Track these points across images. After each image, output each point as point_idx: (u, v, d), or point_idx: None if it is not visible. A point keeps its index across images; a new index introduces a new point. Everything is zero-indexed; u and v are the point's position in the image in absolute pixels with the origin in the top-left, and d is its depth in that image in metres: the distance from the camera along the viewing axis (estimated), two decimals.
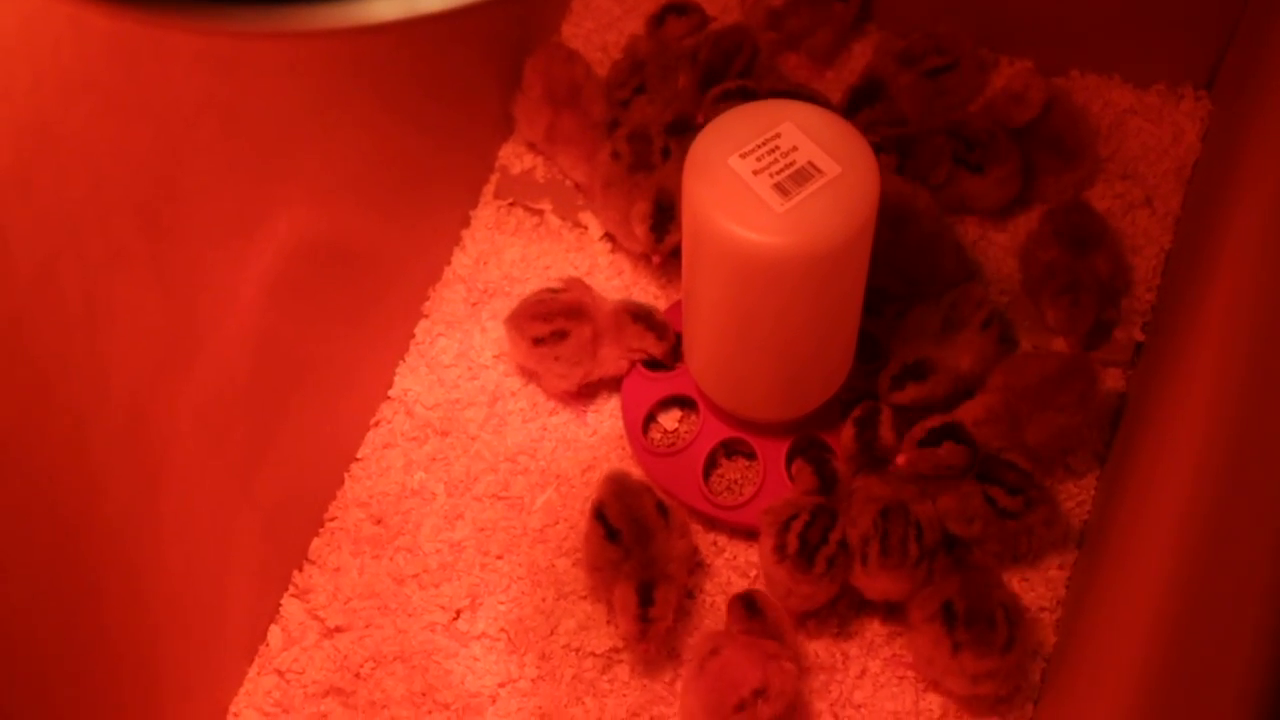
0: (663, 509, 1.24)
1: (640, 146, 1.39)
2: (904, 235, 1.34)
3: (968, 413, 1.27)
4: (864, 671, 1.24)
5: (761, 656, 1.16)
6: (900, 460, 1.22)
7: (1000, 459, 1.22)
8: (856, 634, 1.25)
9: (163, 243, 1.01)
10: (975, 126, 1.42)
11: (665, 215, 1.34)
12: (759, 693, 1.15)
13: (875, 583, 1.20)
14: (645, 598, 1.19)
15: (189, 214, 1.03)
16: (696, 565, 1.28)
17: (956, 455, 1.21)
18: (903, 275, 1.35)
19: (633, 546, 1.21)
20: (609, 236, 1.46)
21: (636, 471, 1.31)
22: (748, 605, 1.20)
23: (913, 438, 1.22)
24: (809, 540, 1.19)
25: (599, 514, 1.23)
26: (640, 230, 1.35)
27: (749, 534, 1.29)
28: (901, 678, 1.23)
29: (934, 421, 1.22)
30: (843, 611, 1.25)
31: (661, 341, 1.34)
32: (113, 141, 0.94)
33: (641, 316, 1.34)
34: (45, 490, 0.95)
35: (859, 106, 1.46)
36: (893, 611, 1.25)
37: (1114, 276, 1.37)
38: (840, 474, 1.23)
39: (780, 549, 1.20)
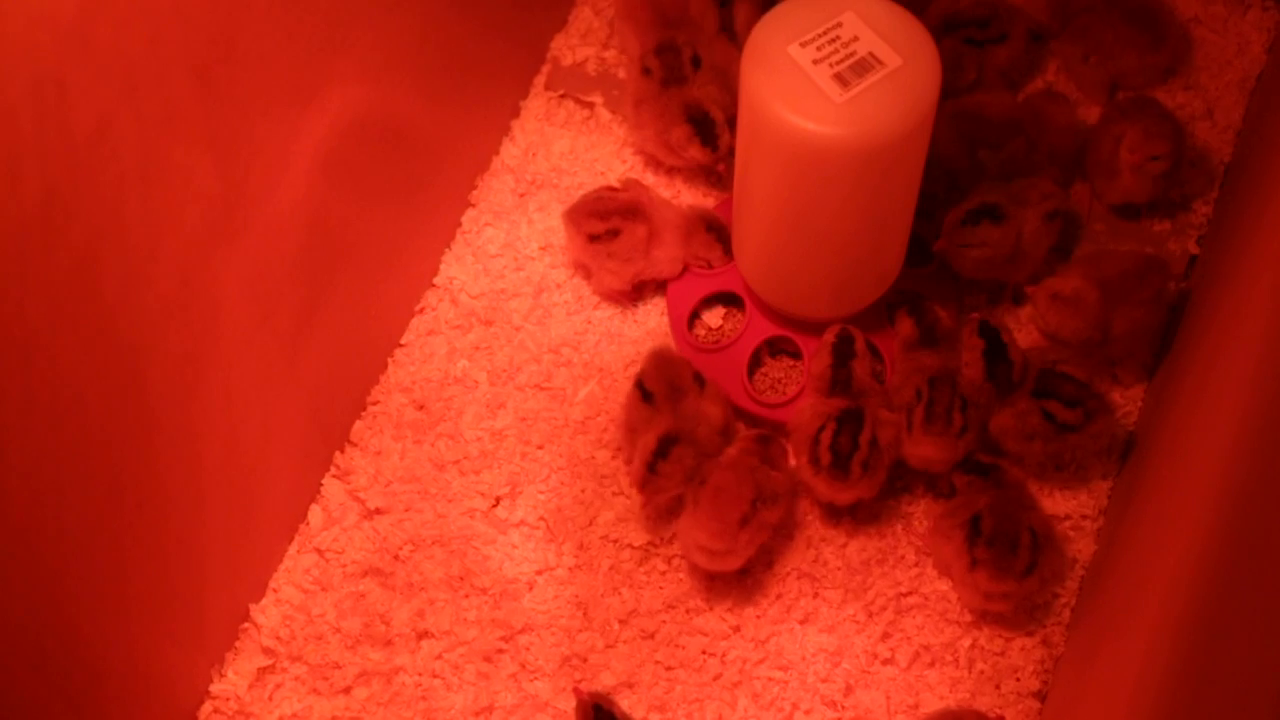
0: (700, 379, 1.24)
1: (670, 59, 1.37)
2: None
3: (1048, 288, 1.26)
4: (902, 572, 1.24)
5: (748, 470, 1.18)
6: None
7: (1055, 372, 1.21)
8: (901, 526, 1.25)
9: (217, 106, 1.00)
10: (964, 8, 1.40)
11: (705, 125, 1.33)
12: (757, 501, 1.17)
13: (919, 449, 1.20)
14: (662, 450, 1.19)
15: (244, 79, 1.02)
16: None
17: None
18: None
19: (664, 405, 1.21)
20: (649, 156, 1.43)
21: None
22: (760, 438, 1.22)
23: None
24: (840, 449, 1.18)
25: (638, 383, 1.23)
26: (694, 152, 1.35)
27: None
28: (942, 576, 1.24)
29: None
30: (887, 507, 1.25)
31: (727, 256, 1.34)
32: None
33: (714, 228, 1.34)
34: (95, 349, 0.95)
35: None
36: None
37: (1183, 146, 1.34)
38: (858, 376, 1.22)
39: (814, 462, 1.19)
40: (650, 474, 1.19)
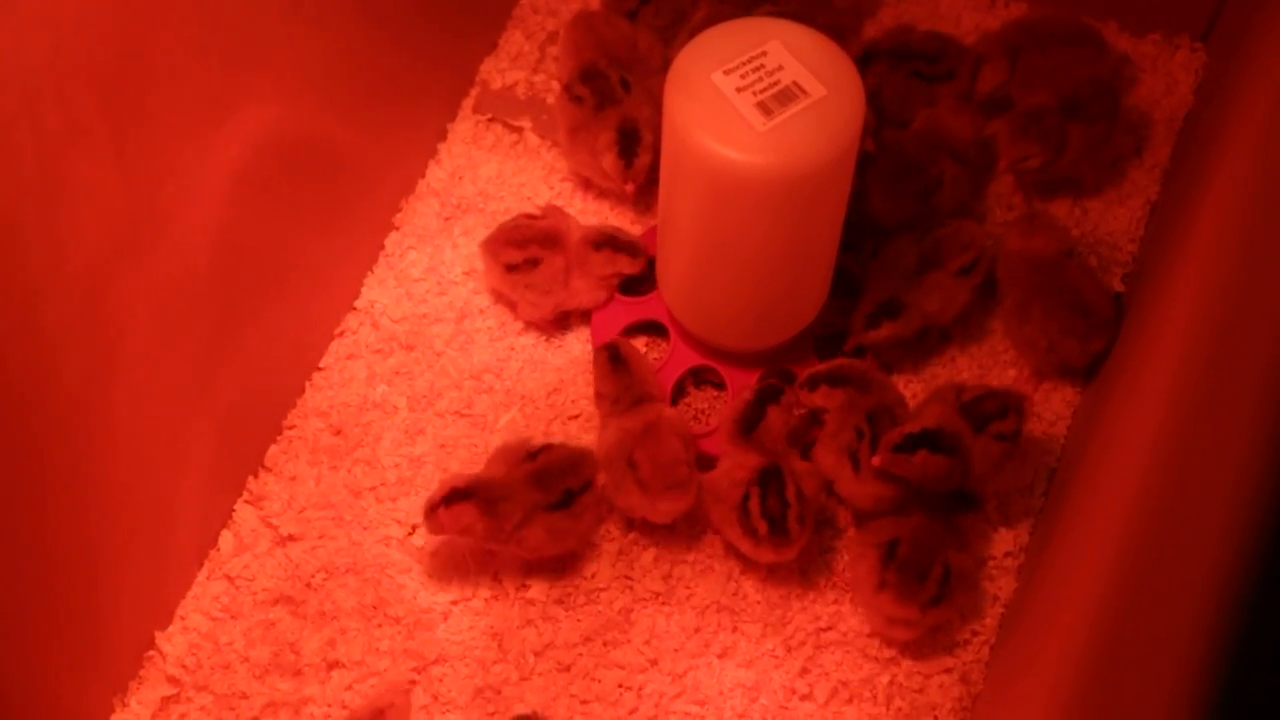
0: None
1: (600, 84, 1.36)
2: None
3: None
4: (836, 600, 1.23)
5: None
6: (875, 462, 1.17)
7: (966, 401, 1.20)
8: (822, 560, 1.24)
9: (125, 122, 0.98)
10: (916, 40, 1.41)
11: (630, 139, 1.32)
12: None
13: (867, 488, 1.19)
14: (450, 498, 1.16)
15: (153, 94, 1.00)
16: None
17: (933, 465, 1.16)
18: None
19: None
20: (584, 180, 1.42)
21: None
22: (613, 358, 1.23)
23: (889, 441, 1.17)
24: (773, 513, 1.16)
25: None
26: (608, 160, 1.33)
27: (714, 462, 1.27)
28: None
29: (914, 428, 1.17)
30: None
31: (635, 259, 1.31)
32: (74, 8, 0.90)
33: (605, 242, 1.31)
34: None
35: None
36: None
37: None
38: (769, 425, 1.19)
39: (752, 534, 1.17)
40: (431, 512, 1.16)
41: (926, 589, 1.15)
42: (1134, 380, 1.11)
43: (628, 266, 1.31)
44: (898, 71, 1.39)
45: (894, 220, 1.33)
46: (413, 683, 1.19)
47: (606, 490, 1.22)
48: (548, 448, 1.21)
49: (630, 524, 1.25)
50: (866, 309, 1.28)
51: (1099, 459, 1.11)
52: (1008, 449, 1.20)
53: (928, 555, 1.16)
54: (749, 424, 1.19)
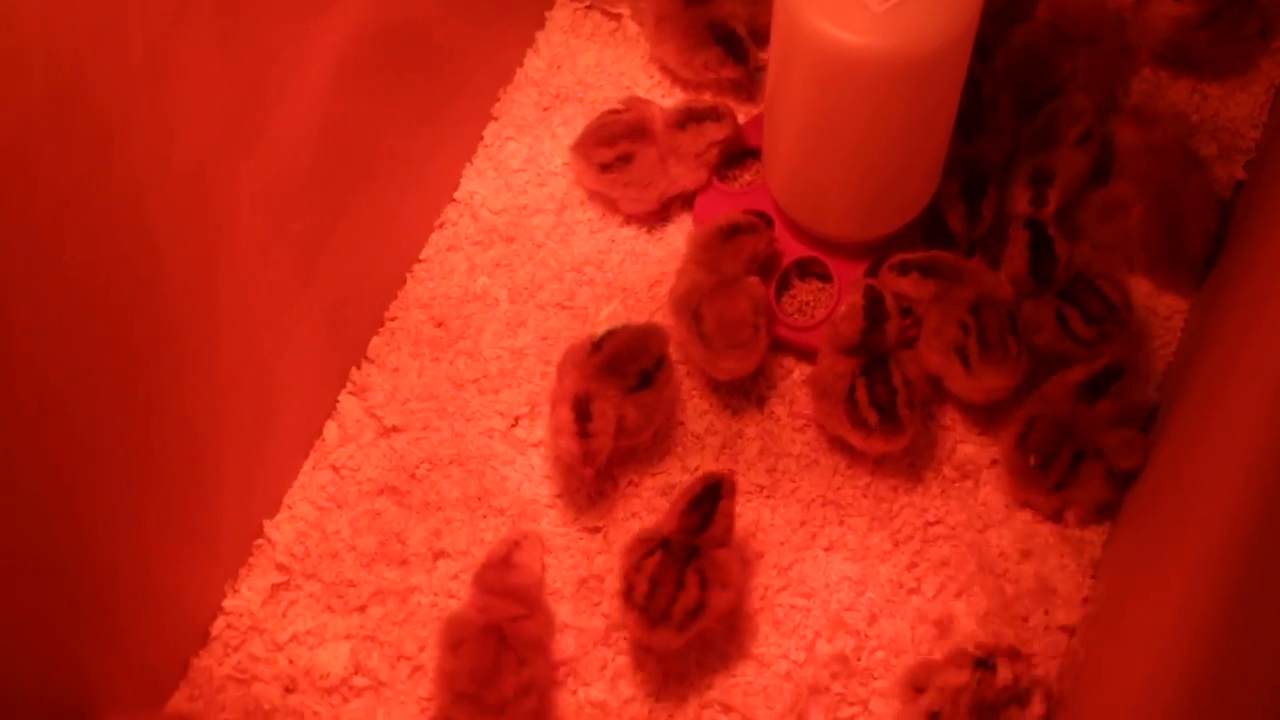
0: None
1: None
2: None
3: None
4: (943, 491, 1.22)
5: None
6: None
7: (1092, 283, 1.18)
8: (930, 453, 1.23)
9: (228, 4, 0.97)
10: None
11: (733, 43, 1.31)
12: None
13: (983, 382, 1.17)
14: (583, 413, 1.15)
15: None
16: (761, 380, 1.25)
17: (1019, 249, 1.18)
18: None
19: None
20: (667, 70, 1.40)
21: None
22: (733, 228, 1.22)
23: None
24: (881, 400, 1.15)
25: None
26: (727, 72, 1.33)
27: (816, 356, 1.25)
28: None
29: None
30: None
31: (721, 122, 1.28)
32: None
33: (686, 117, 1.28)
34: (104, 251, 0.92)
35: None
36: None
37: None
38: (889, 337, 1.17)
39: (863, 425, 1.15)
40: (583, 432, 1.14)
41: (1048, 477, 1.16)
42: (1268, 277, 1.07)
43: (716, 132, 1.28)
44: None
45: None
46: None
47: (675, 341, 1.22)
48: (610, 334, 1.19)
49: (734, 420, 1.24)
50: (1026, 174, 1.25)
51: (1230, 354, 1.08)
52: (1057, 331, 1.20)
53: (1067, 444, 1.15)
54: (866, 348, 1.17)
